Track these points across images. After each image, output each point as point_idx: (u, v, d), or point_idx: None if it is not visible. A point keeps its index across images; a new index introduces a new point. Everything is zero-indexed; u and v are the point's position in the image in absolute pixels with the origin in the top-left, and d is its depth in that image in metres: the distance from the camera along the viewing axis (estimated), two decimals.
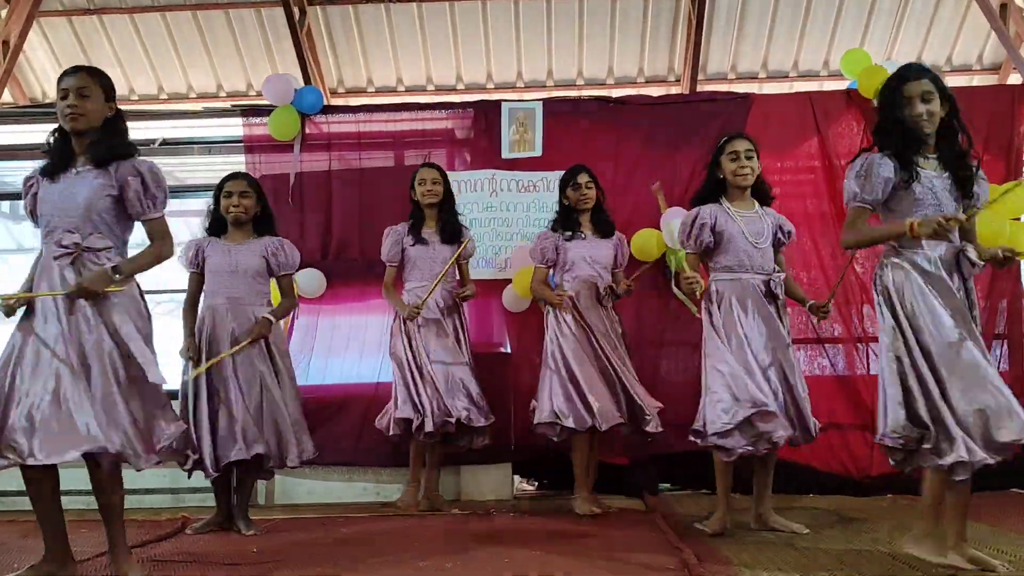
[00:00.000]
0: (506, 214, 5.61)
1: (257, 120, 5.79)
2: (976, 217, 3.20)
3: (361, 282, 5.26)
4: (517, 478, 5.59)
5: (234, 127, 5.88)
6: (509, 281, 5.45)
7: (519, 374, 5.32)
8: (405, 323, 4.82)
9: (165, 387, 3.21)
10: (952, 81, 7.21)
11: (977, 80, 7.43)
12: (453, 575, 3.25)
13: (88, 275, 3.08)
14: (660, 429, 4.59)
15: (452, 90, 7.68)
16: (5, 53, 6.96)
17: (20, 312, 3.17)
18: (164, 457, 3.19)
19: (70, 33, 7.42)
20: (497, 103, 5.77)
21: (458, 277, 5.01)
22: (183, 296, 4.49)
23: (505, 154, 5.67)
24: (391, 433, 4.80)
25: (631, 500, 5.11)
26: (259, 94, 6.62)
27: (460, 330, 4.94)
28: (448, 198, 4.96)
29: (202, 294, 4.45)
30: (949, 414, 3.00)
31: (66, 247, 3.12)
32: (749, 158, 4.05)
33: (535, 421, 4.65)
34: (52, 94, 7.69)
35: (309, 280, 5.50)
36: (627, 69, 7.61)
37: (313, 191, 5.72)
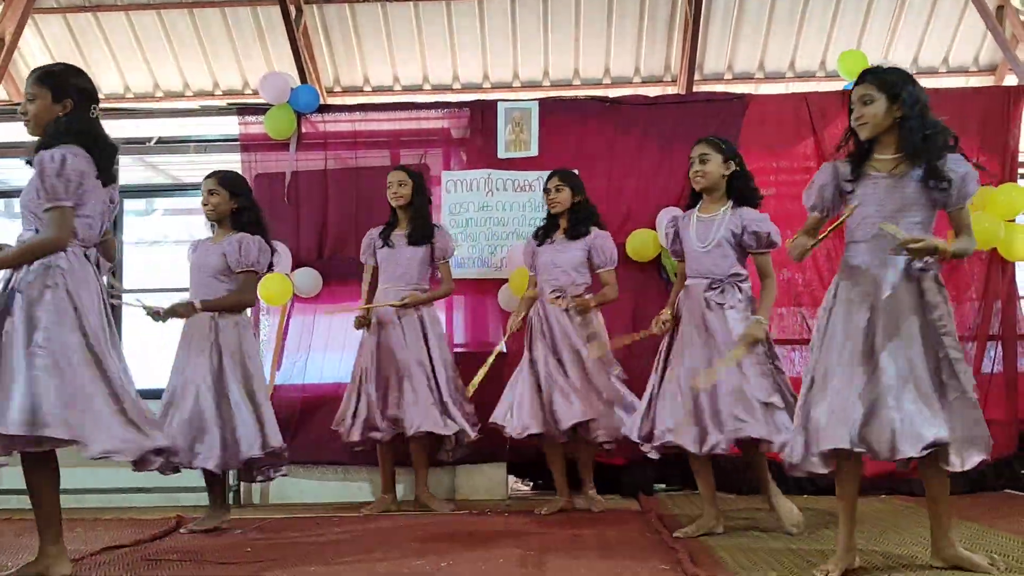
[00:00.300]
0: (502, 214, 5.60)
1: (253, 118, 5.77)
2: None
3: (357, 281, 5.24)
4: (512, 478, 5.59)
5: (230, 125, 5.87)
6: (505, 281, 5.44)
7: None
8: (370, 328, 4.95)
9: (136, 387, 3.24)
10: (948, 82, 7.27)
11: (973, 81, 7.45)
12: (448, 574, 3.25)
13: None
14: (564, 439, 4.65)
15: (448, 89, 7.68)
16: (0, 49, 6.95)
17: None
18: None
19: (65, 30, 7.40)
20: (493, 103, 5.77)
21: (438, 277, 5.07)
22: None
23: (501, 153, 5.67)
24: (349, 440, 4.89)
25: (626, 500, 5.12)
26: (255, 92, 6.62)
27: (424, 334, 4.92)
28: (417, 200, 4.97)
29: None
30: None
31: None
32: (704, 162, 4.06)
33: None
34: None
35: (305, 279, 5.49)
36: (624, 69, 7.61)
37: (309, 190, 5.71)
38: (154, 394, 4.28)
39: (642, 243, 5.34)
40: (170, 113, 6.41)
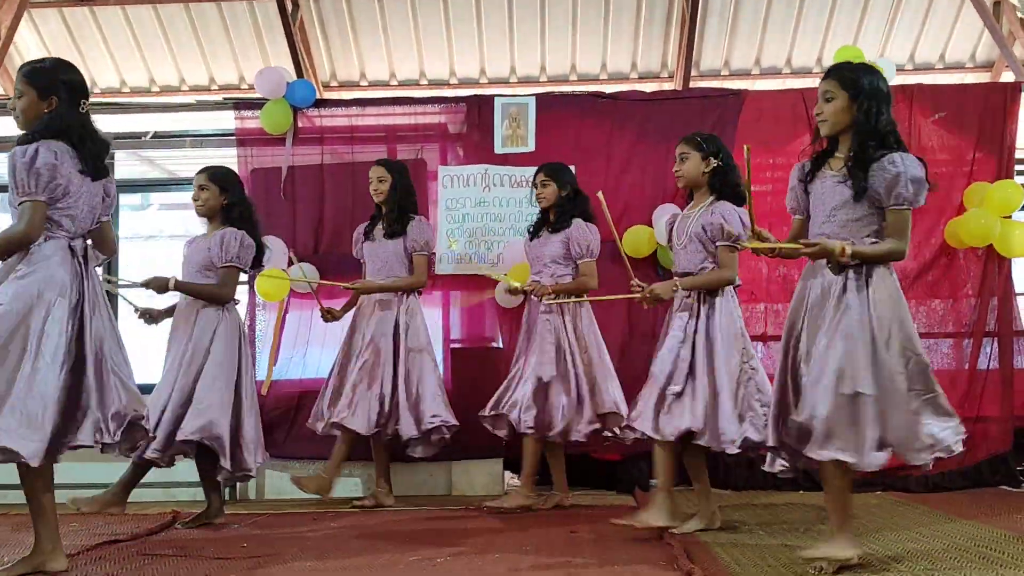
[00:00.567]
0: (499, 209, 5.60)
1: (249, 113, 5.75)
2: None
3: (354, 276, 5.23)
4: (508, 474, 5.59)
5: (226, 120, 5.85)
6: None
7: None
8: (354, 321, 5.00)
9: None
10: (945, 79, 7.26)
11: (970, 78, 7.45)
12: (444, 570, 3.25)
13: None
14: (529, 430, 4.62)
15: (445, 84, 7.66)
16: None
17: None
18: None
19: (61, 24, 7.37)
20: (490, 98, 5.76)
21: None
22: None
23: (498, 149, 5.66)
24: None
25: (622, 496, 5.12)
26: (251, 87, 6.60)
27: (398, 328, 4.91)
28: (396, 194, 4.96)
29: None
30: None
31: None
32: (682, 161, 4.09)
33: None
34: None
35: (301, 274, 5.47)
36: (620, 64, 7.60)
37: (305, 185, 5.70)
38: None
39: (638, 239, 5.33)
40: (166, 108, 6.40)
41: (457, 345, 5.55)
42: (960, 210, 5.39)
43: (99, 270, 3.35)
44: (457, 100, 5.85)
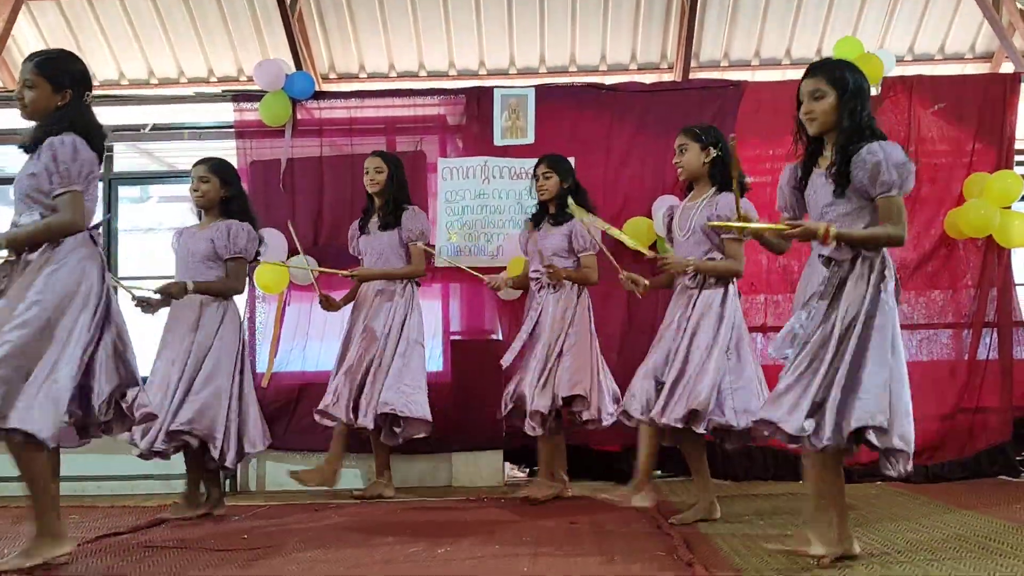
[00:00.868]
0: (498, 201, 5.59)
1: (248, 105, 5.74)
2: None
3: (354, 268, 5.21)
4: (508, 465, 5.60)
5: (225, 112, 5.84)
6: (501, 268, 5.43)
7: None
8: (353, 313, 4.99)
9: None
10: (945, 69, 7.26)
11: (970, 69, 7.44)
12: (444, 560, 3.26)
13: None
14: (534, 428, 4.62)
15: (444, 76, 7.65)
16: None
17: None
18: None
19: (59, 17, 7.36)
20: (489, 89, 5.75)
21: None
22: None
23: (497, 141, 5.65)
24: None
25: (622, 487, 5.12)
26: (250, 79, 6.60)
27: (394, 319, 4.90)
28: (392, 186, 4.95)
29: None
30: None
31: (10, 227, 3.25)
32: (681, 152, 4.11)
33: None
34: None
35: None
36: (620, 56, 7.59)
37: (304, 177, 5.70)
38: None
39: (637, 230, 5.32)
40: (165, 100, 6.38)
41: (457, 337, 5.55)
42: (959, 201, 5.39)
43: (107, 275, 3.35)
44: (456, 92, 5.83)
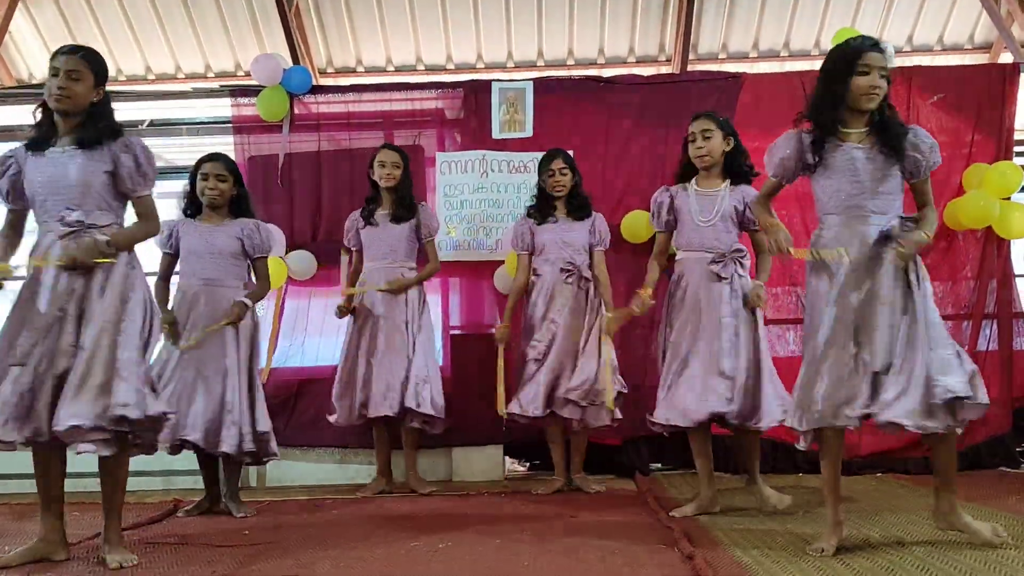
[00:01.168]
0: (497, 195, 5.59)
1: (245, 100, 5.73)
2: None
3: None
4: (508, 459, 5.60)
5: (222, 107, 5.83)
6: (500, 263, 5.43)
7: (509, 355, 5.31)
8: (353, 313, 4.95)
9: None
10: (943, 60, 7.26)
11: (968, 59, 7.44)
12: (445, 555, 3.26)
13: (78, 246, 3.11)
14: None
15: (442, 69, 7.65)
16: None
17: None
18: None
19: (56, 13, 7.35)
20: (487, 83, 5.74)
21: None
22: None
23: (496, 134, 5.64)
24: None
25: (623, 481, 5.13)
26: (247, 74, 6.59)
27: (411, 317, 4.91)
28: (405, 180, 4.96)
29: (173, 275, 4.48)
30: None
31: (70, 224, 3.16)
32: (707, 138, 4.06)
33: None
34: (39, 75, 7.68)
35: (300, 262, 5.48)
36: (618, 49, 7.58)
37: (302, 172, 5.69)
38: None
39: (636, 224, 5.32)
40: (162, 96, 6.38)
41: (456, 331, 5.55)
42: (959, 192, 5.38)
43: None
44: (454, 85, 5.82)
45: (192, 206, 4.49)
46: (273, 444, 4.41)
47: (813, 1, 7.22)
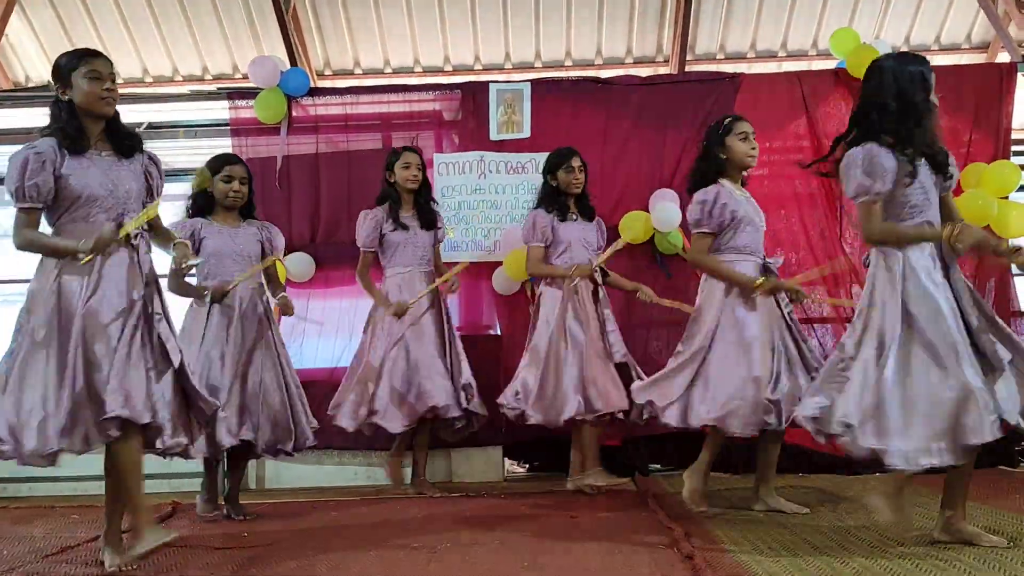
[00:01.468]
0: (495, 196, 5.59)
1: (243, 103, 5.73)
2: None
3: (351, 265, 5.22)
4: (507, 461, 5.60)
5: (220, 110, 5.83)
6: (499, 263, 5.43)
7: (509, 356, 5.31)
8: (387, 319, 4.79)
9: None
10: (941, 60, 7.26)
11: (966, 59, 7.44)
12: (444, 557, 3.26)
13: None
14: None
15: (440, 71, 7.65)
16: None
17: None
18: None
19: (53, 16, 7.34)
20: (485, 84, 5.74)
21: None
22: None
23: (493, 136, 5.64)
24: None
25: (622, 480, 5.12)
26: (245, 76, 6.58)
27: (444, 320, 4.90)
28: (426, 183, 4.97)
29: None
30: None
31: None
32: (755, 140, 4.05)
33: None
34: (35, 78, 7.67)
35: (298, 264, 5.47)
36: (615, 50, 7.58)
37: (300, 174, 5.69)
38: None
39: (634, 225, 5.31)
40: (159, 98, 6.37)
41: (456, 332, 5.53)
42: (957, 191, 5.38)
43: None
44: (452, 87, 5.82)
45: (196, 206, 4.47)
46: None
47: (810, 2, 7.23)
